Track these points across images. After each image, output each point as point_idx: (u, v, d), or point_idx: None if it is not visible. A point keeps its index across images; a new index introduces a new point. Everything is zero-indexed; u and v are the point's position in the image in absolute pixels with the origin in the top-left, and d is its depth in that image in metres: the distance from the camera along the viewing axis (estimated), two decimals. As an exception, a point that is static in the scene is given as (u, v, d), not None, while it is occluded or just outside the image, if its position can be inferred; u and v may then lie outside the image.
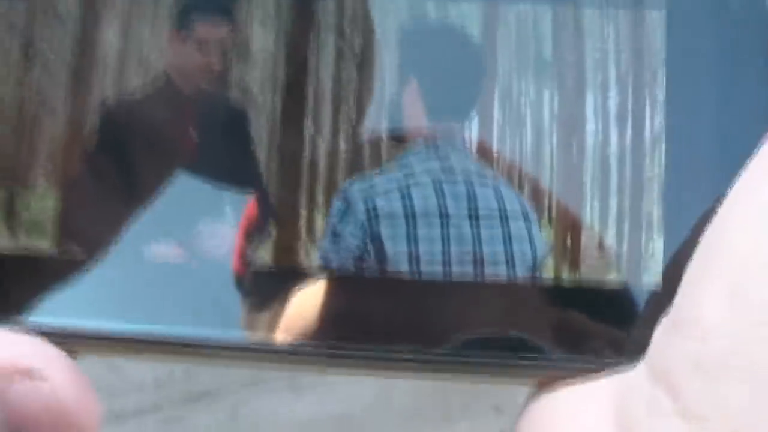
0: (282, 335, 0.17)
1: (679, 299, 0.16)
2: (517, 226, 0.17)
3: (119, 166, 0.18)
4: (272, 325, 0.17)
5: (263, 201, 0.17)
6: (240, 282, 0.17)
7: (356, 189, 0.17)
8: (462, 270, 0.17)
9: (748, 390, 0.15)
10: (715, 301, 0.15)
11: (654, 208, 0.17)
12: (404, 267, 0.17)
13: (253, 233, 0.17)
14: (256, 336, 0.17)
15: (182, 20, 0.18)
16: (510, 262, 0.17)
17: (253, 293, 0.17)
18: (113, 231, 0.18)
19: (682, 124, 0.17)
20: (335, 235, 0.17)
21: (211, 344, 0.17)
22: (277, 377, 0.46)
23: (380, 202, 0.17)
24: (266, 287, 0.17)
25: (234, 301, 0.17)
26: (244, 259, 0.17)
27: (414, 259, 0.17)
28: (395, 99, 0.18)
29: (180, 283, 0.17)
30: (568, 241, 0.17)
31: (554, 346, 0.17)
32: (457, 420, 0.50)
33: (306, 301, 0.17)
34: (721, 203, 0.16)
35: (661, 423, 0.16)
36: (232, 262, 0.17)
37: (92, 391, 0.18)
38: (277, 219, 0.17)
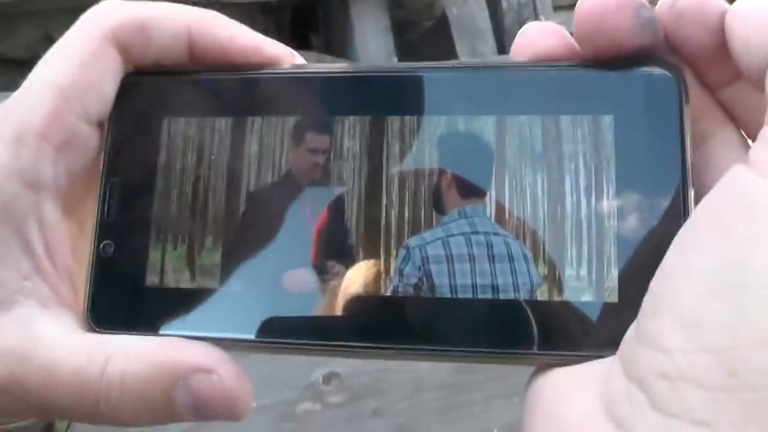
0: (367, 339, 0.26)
1: (643, 321, 0.21)
2: (520, 265, 0.25)
3: (260, 232, 0.27)
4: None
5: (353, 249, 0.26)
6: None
7: (414, 242, 0.26)
8: (484, 293, 0.25)
9: (703, 395, 0.19)
10: (672, 331, 0.19)
11: (612, 250, 0.24)
12: (446, 292, 0.26)
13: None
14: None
15: (296, 133, 0.28)
16: (516, 287, 0.25)
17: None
18: (253, 271, 0.27)
19: (628, 192, 0.25)
20: (401, 273, 0.26)
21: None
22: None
23: (430, 250, 0.26)
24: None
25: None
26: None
27: (453, 286, 0.26)
28: (437, 184, 0.26)
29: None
30: (556, 274, 0.25)
31: (549, 342, 0.24)
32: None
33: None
34: (657, 246, 0.21)
35: (637, 410, 0.20)
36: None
37: (248, 380, 0.26)
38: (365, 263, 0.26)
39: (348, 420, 0.64)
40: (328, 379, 0.64)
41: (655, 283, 0.21)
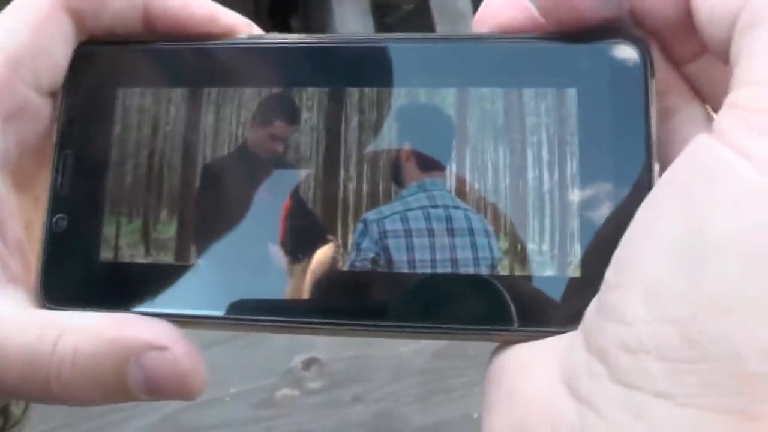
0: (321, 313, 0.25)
1: (605, 293, 0.20)
2: (480, 239, 0.25)
3: (215, 207, 0.27)
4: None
5: (311, 223, 0.26)
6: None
7: (371, 216, 0.25)
8: (444, 268, 0.25)
9: (663, 365, 0.18)
10: (633, 302, 0.19)
11: (575, 224, 0.24)
12: (404, 267, 0.25)
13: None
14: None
15: (264, 116, 0.27)
16: (476, 262, 0.25)
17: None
18: (210, 246, 0.26)
19: (592, 166, 0.24)
20: (358, 247, 0.25)
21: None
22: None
23: (387, 224, 0.25)
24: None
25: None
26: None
27: (410, 261, 0.25)
28: (397, 156, 0.26)
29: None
30: (518, 248, 0.25)
31: (510, 318, 0.24)
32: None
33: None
34: (621, 220, 0.21)
35: (598, 383, 0.19)
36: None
37: (201, 358, 0.25)
38: (322, 237, 0.26)
39: (328, 406, 0.64)
40: (307, 365, 0.64)
41: (618, 255, 0.21)
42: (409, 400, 0.63)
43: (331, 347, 0.64)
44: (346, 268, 0.25)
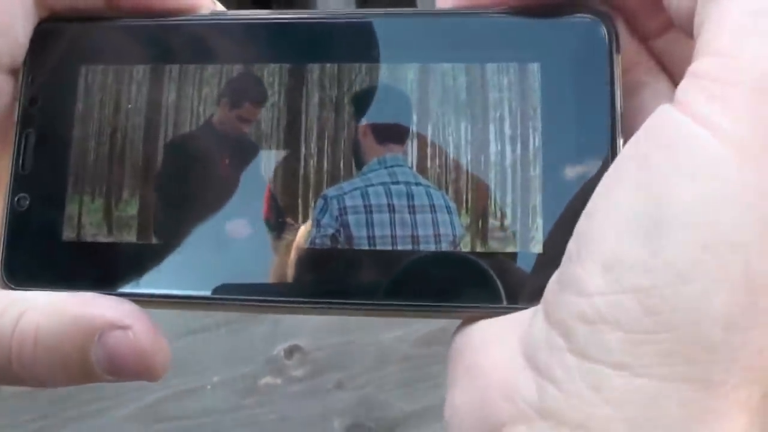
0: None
1: (565, 266, 0.20)
2: (442, 215, 0.25)
3: (178, 185, 0.26)
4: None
5: (273, 200, 0.25)
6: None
7: (331, 192, 0.25)
8: (404, 245, 0.25)
9: (621, 336, 0.19)
10: (593, 274, 0.19)
11: (537, 200, 0.24)
12: (365, 244, 0.25)
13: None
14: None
15: (233, 97, 0.27)
16: (437, 238, 0.25)
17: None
18: (172, 224, 0.26)
19: (553, 141, 0.24)
20: (318, 224, 0.25)
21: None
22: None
23: (347, 200, 0.25)
24: None
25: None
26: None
27: (371, 238, 0.25)
28: (357, 133, 0.26)
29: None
30: (480, 224, 0.25)
31: (472, 295, 0.24)
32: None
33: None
34: (584, 195, 0.21)
35: (557, 356, 0.20)
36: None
37: (163, 338, 0.25)
38: (282, 216, 0.25)
39: (311, 393, 0.63)
40: (289, 352, 0.64)
41: (579, 227, 0.20)
42: (392, 387, 0.63)
43: (314, 335, 0.64)
44: (306, 245, 0.25)
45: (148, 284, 0.26)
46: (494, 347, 0.22)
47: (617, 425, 0.18)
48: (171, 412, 0.62)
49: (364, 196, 0.25)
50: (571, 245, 0.20)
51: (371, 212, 0.25)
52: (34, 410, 0.62)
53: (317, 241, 0.25)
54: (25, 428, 0.61)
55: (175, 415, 0.62)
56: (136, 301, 0.25)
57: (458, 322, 0.24)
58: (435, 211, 0.25)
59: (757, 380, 0.18)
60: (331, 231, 0.25)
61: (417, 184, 0.25)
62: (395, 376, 0.63)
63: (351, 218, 0.25)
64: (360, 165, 0.25)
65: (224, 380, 0.63)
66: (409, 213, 0.25)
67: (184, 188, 0.26)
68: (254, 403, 0.63)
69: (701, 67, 0.20)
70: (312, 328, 0.64)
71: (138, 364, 0.24)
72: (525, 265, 0.24)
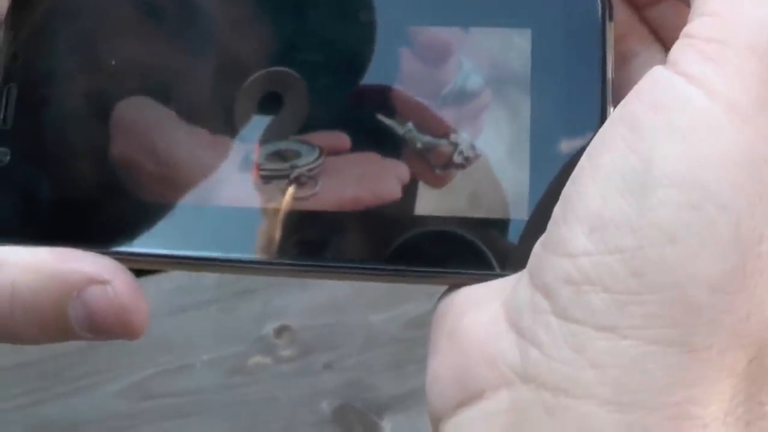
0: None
1: (551, 229, 0.20)
2: None
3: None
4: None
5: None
6: None
7: None
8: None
9: (606, 298, 0.18)
10: (578, 235, 0.19)
11: (525, 167, 0.24)
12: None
13: None
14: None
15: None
16: None
17: None
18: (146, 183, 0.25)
19: (545, 108, 0.24)
20: None
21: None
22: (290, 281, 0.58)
23: None
24: None
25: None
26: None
27: None
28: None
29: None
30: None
31: (458, 260, 0.24)
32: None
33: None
34: (573, 163, 0.21)
35: (541, 319, 0.19)
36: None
37: (143, 295, 0.24)
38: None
39: (300, 374, 0.63)
40: (279, 332, 0.64)
41: (566, 191, 0.20)
42: (381, 368, 0.63)
43: (303, 315, 0.64)
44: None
45: (129, 242, 0.25)
46: (477, 311, 0.22)
47: (600, 389, 0.18)
48: (159, 389, 0.62)
49: None
50: (557, 209, 0.20)
51: None
52: (23, 384, 0.62)
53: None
54: (15, 402, 0.61)
55: (164, 393, 0.62)
56: (118, 260, 0.25)
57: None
58: None
59: (744, 345, 0.18)
60: None
61: None
62: (384, 358, 0.63)
63: None
64: None
65: (213, 359, 0.63)
66: None
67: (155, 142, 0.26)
68: (243, 382, 0.63)
69: (695, 27, 0.20)
70: (302, 308, 0.64)
71: (117, 320, 0.24)
72: (513, 231, 0.24)
